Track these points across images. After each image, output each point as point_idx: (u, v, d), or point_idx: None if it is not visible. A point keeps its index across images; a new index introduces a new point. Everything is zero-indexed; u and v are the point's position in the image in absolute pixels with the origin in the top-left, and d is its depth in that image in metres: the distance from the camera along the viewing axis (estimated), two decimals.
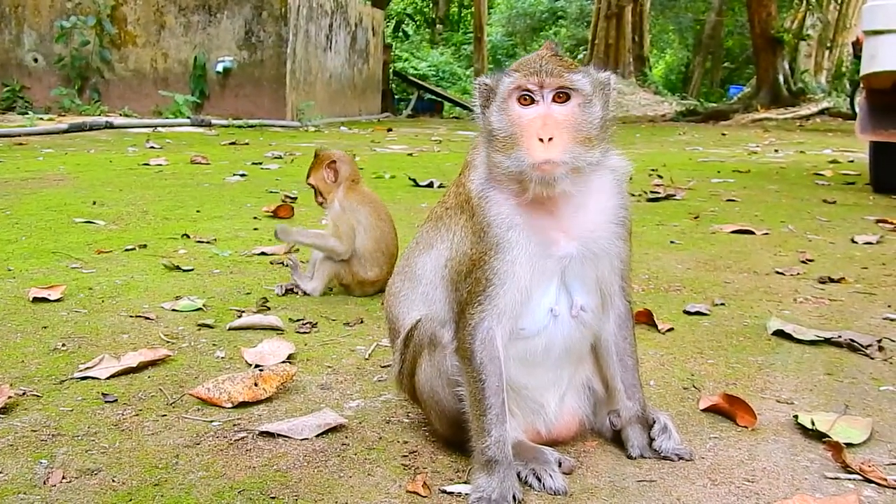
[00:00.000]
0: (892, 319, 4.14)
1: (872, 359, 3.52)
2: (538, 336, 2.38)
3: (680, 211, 7.70)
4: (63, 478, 2.27)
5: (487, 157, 2.34)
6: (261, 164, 10.71)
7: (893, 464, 2.50)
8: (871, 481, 2.37)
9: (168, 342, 3.50)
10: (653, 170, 10.94)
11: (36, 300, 4.00)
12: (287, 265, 4.55)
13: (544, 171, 2.20)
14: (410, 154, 13.24)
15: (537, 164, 2.20)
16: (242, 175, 9.35)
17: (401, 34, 41.69)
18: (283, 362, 3.22)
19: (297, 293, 4.39)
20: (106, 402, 2.83)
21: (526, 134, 2.23)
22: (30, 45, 19.39)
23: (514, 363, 2.39)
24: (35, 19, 19.34)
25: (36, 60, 19.37)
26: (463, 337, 2.33)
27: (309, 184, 4.53)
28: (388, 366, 3.20)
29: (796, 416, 2.78)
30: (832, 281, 4.95)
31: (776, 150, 16.40)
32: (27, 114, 16.31)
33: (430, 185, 8.88)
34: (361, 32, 25.39)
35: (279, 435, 2.58)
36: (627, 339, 2.56)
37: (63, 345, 3.39)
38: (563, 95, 2.26)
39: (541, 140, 2.20)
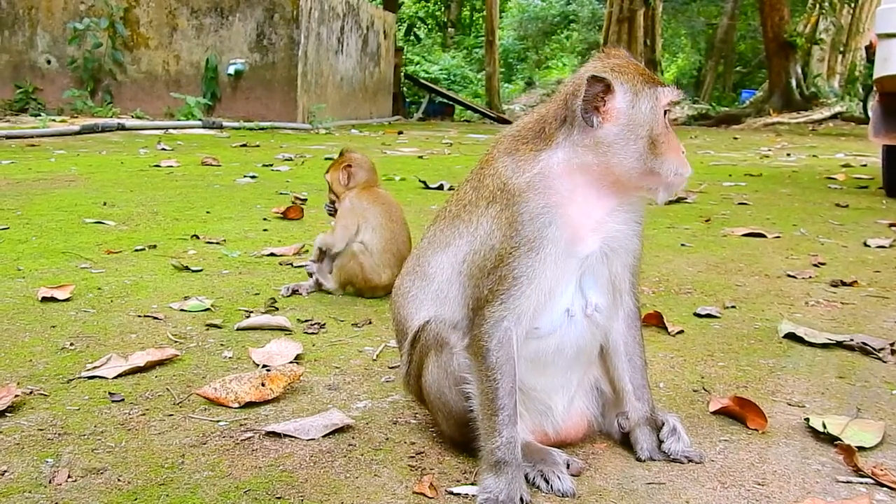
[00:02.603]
0: None
1: (885, 362, 3.50)
2: (551, 336, 2.36)
3: (691, 214, 7.67)
4: (69, 477, 2.26)
5: (600, 157, 2.29)
6: (271, 165, 10.72)
7: None
8: (883, 485, 2.34)
9: (176, 342, 3.49)
10: None
11: (45, 300, 4.00)
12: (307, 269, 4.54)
13: (684, 182, 2.34)
14: (421, 157, 13.25)
15: (686, 176, 2.33)
16: (253, 177, 9.36)
17: (412, 37, 41.69)
18: (291, 363, 3.21)
19: (302, 294, 4.38)
20: (113, 401, 2.82)
21: (675, 146, 2.32)
22: (43, 47, 19.47)
23: (525, 363, 2.36)
24: (48, 21, 19.42)
25: (49, 62, 19.45)
26: (479, 335, 2.29)
27: (326, 180, 4.56)
28: (396, 367, 3.19)
29: (808, 419, 2.76)
30: (844, 284, 4.92)
31: (788, 154, 16.34)
32: (40, 115, 16.37)
33: (440, 187, 8.87)
34: (373, 35, 25.41)
35: (286, 435, 2.57)
36: (636, 339, 2.54)
37: (71, 344, 3.39)
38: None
39: (683, 153, 2.34)
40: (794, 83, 32.38)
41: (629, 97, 2.29)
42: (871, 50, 9.54)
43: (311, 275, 4.48)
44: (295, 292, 4.38)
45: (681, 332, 3.86)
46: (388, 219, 4.40)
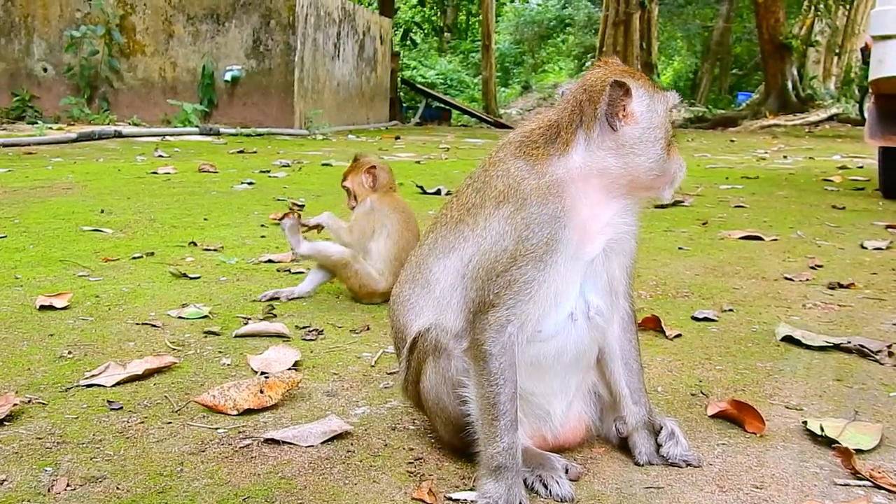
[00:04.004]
0: None
1: (882, 364, 3.50)
2: (552, 340, 2.36)
3: (688, 217, 7.68)
4: (68, 485, 2.26)
5: (620, 159, 2.32)
6: (268, 172, 10.72)
7: None
8: (881, 488, 2.34)
9: (174, 349, 3.49)
10: None
11: (43, 308, 4.00)
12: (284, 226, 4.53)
13: (683, 177, 2.46)
14: (418, 161, 13.25)
15: (685, 171, 2.45)
16: (250, 183, 9.36)
17: (409, 42, 41.74)
18: (289, 369, 3.21)
19: (281, 300, 4.35)
20: (111, 409, 2.82)
21: (676, 147, 2.43)
22: (39, 54, 19.48)
23: (524, 368, 2.35)
24: (44, 29, 19.43)
25: (45, 70, 19.46)
26: (481, 340, 2.27)
27: (344, 186, 4.52)
28: (395, 373, 3.19)
29: (805, 422, 2.76)
30: (841, 286, 4.92)
31: (785, 157, 16.37)
32: (36, 123, 16.36)
33: (438, 192, 8.87)
34: (369, 41, 25.44)
35: (284, 442, 2.57)
36: (632, 343, 2.54)
37: (69, 352, 3.39)
38: None
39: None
40: (790, 85, 32.46)
41: (646, 101, 2.34)
42: (866, 52, 9.56)
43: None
44: (274, 298, 4.37)
45: (678, 335, 3.87)
46: (404, 227, 4.38)
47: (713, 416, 2.86)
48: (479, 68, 40.17)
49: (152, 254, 5.37)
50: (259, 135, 17.53)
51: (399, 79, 31.41)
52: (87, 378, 3.07)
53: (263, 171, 10.70)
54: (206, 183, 9.33)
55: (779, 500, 2.27)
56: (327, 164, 11.89)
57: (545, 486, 2.27)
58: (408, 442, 2.63)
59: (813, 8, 37.01)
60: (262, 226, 6.60)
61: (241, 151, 13.68)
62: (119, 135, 15.41)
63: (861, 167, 13.59)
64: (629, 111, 2.31)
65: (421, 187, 9.12)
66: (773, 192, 10.07)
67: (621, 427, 2.55)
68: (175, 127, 17.44)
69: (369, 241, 4.39)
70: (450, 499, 2.24)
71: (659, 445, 2.50)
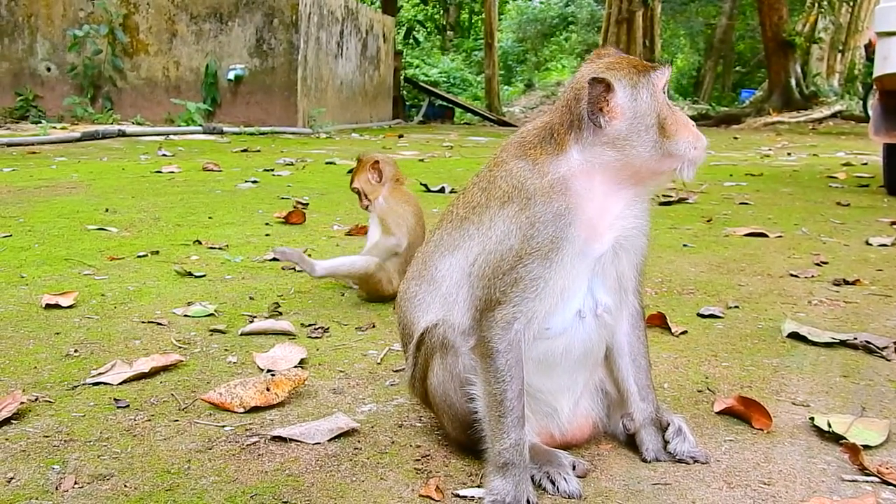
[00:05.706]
0: None
1: (889, 360, 3.50)
2: (560, 337, 2.36)
3: (693, 214, 7.67)
4: (75, 483, 2.26)
5: (618, 152, 2.30)
6: (272, 170, 10.72)
7: None
8: (888, 483, 2.34)
9: (180, 348, 3.49)
10: None
11: (48, 306, 4.00)
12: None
13: (704, 153, 2.35)
14: (422, 160, 13.24)
15: (704, 147, 2.34)
16: (254, 182, 9.36)
17: (412, 41, 41.73)
18: (295, 367, 3.21)
19: (284, 265, 4.34)
20: (118, 407, 2.82)
21: (684, 122, 2.33)
22: (42, 54, 19.48)
23: (532, 365, 2.35)
24: (48, 29, 19.43)
25: (49, 69, 19.46)
26: (488, 337, 2.27)
27: (353, 189, 4.50)
28: (401, 370, 3.19)
29: (812, 419, 2.76)
30: (847, 283, 4.91)
31: (789, 154, 16.35)
32: (40, 122, 16.37)
33: (442, 190, 8.87)
34: (372, 39, 25.43)
35: (291, 439, 2.57)
36: (641, 340, 2.54)
37: (75, 351, 3.39)
38: None
39: (693, 126, 2.35)
40: (793, 82, 32.41)
41: (629, 91, 2.30)
42: (870, 48, 9.55)
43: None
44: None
45: (684, 332, 3.86)
46: (416, 222, 4.39)
47: (720, 413, 2.86)
48: (482, 66, 40.14)
49: (157, 252, 5.37)
50: (262, 133, 17.54)
51: (402, 77, 31.37)
52: (93, 376, 3.08)
53: (267, 170, 10.70)
54: (210, 182, 9.33)
55: (786, 496, 2.26)
56: (331, 163, 11.90)
57: (553, 483, 2.27)
58: (415, 439, 2.63)
59: (816, 5, 36.92)
60: (267, 224, 6.60)
61: (245, 150, 13.68)
62: (123, 134, 15.42)
63: (865, 164, 13.58)
64: (612, 106, 2.29)
65: (425, 185, 9.11)
66: (777, 189, 10.06)
67: (628, 424, 2.55)
68: (178, 126, 17.45)
69: (409, 224, 4.37)
70: (457, 495, 2.24)
71: (666, 442, 2.50)
